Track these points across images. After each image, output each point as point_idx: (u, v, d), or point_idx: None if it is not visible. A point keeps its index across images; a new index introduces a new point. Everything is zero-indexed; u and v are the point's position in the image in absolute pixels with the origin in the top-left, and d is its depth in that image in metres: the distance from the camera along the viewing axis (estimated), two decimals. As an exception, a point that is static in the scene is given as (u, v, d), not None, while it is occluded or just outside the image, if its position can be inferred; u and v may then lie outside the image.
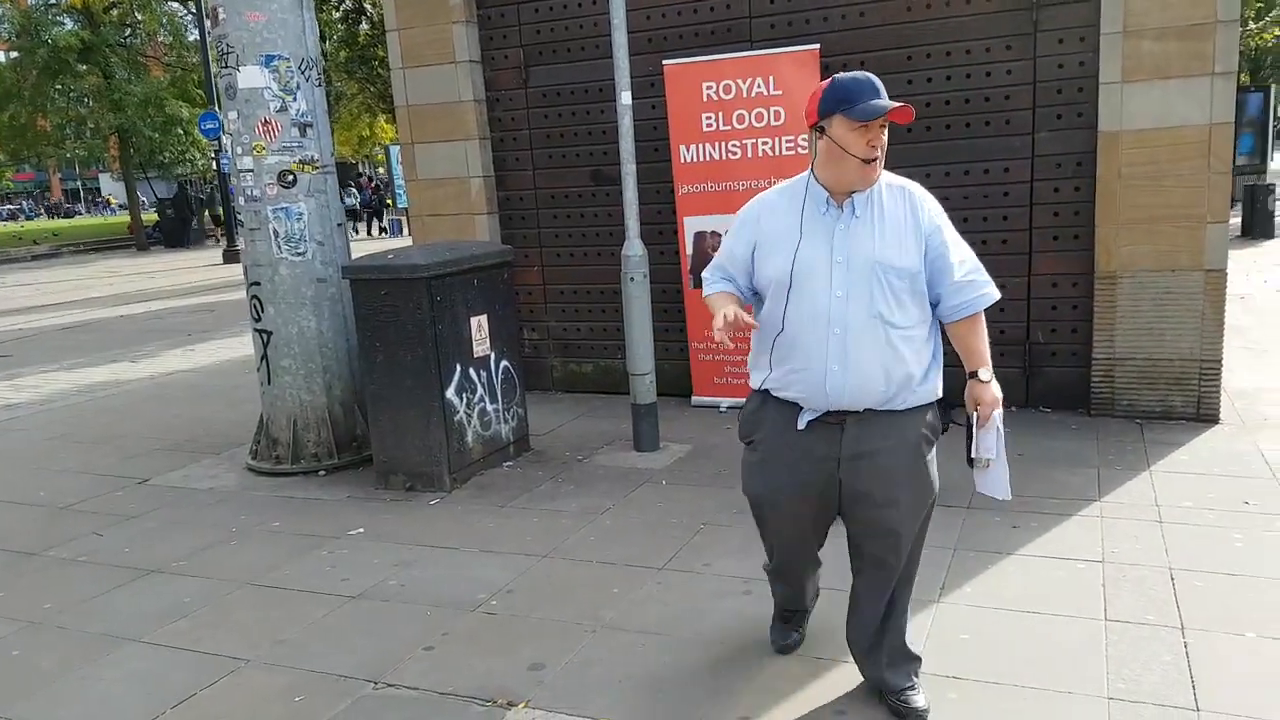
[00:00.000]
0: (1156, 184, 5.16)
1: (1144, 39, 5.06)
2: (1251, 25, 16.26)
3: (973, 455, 2.66)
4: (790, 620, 3.15)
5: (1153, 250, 5.18)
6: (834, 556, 2.97)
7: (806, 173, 2.65)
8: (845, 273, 2.52)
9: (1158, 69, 5.06)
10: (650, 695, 2.92)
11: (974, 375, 2.63)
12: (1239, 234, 14.15)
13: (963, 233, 2.67)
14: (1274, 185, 14.98)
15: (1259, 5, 16.85)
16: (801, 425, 2.64)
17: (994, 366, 2.65)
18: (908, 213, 2.57)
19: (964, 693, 2.84)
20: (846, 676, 2.95)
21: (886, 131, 2.52)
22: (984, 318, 2.64)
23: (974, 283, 2.59)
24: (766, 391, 2.72)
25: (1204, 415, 5.28)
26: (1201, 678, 2.82)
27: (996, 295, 2.61)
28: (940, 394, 2.68)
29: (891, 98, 2.50)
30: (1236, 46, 5.03)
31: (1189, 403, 5.27)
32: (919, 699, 2.73)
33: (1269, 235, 14.11)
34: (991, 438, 2.63)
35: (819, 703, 2.84)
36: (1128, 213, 5.24)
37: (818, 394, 2.57)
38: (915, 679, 2.77)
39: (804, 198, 2.61)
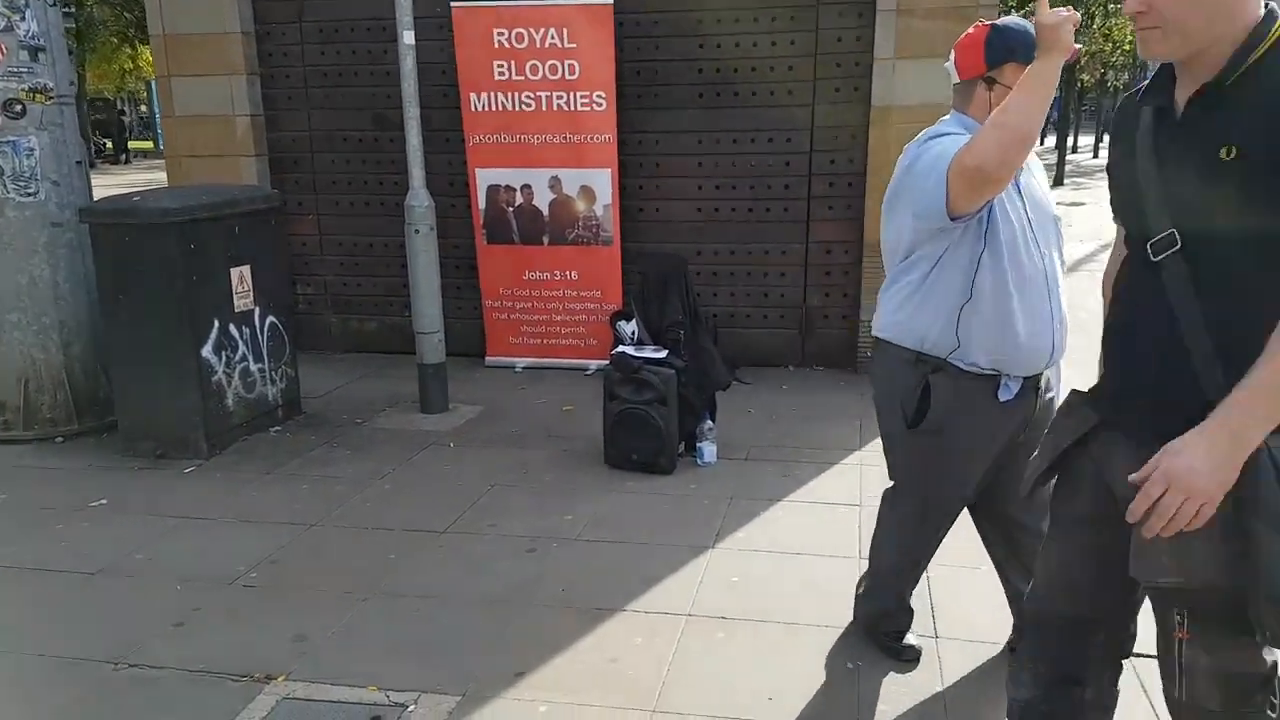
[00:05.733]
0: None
1: (915, 17, 5.31)
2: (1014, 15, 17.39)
3: None
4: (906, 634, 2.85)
5: (917, 219, 5.49)
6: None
7: (962, 124, 2.45)
8: (1040, 226, 2.38)
9: (926, 47, 5.32)
10: (422, 658, 2.81)
11: None
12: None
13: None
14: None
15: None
16: (1009, 396, 2.41)
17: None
18: (1035, 159, 2.49)
19: (730, 631, 2.94)
20: (615, 625, 2.98)
21: None
22: None
23: None
24: (943, 365, 2.40)
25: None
26: (941, 608, 3.05)
27: None
28: None
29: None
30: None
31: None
32: None
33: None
34: None
35: (592, 652, 2.84)
36: (896, 183, 5.51)
37: (1042, 359, 2.39)
38: None
39: None
